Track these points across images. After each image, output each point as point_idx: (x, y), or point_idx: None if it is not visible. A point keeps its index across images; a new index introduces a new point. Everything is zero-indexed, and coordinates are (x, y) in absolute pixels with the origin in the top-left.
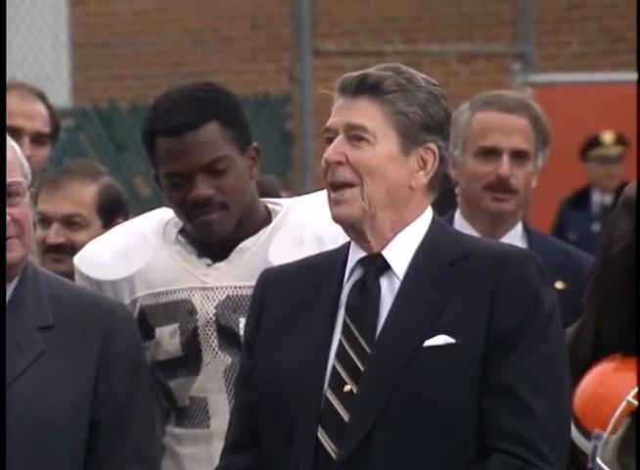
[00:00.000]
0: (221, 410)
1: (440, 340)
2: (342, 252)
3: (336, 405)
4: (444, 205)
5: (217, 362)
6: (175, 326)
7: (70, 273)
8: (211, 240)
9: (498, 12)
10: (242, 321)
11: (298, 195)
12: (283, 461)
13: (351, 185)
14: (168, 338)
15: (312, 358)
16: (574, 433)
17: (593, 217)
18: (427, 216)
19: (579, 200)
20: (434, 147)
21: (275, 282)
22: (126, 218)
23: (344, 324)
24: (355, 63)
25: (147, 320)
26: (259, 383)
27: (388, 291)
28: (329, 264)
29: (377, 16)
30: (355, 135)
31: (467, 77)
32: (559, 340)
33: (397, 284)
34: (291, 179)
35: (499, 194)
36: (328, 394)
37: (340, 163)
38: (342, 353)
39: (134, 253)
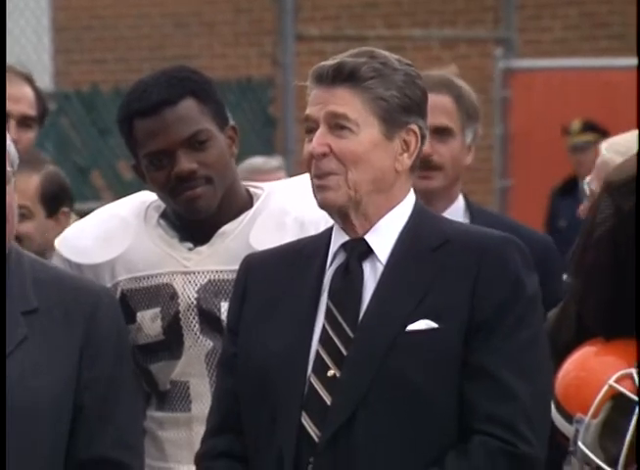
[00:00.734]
0: (203, 394)
1: (423, 324)
2: (325, 236)
3: (319, 390)
4: None
5: (199, 346)
6: (157, 310)
7: None
8: (198, 217)
9: None
10: (223, 305)
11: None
12: (266, 446)
13: (336, 174)
14: (150, 322)
15: (296, 344)
16: (556, 416)
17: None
18: (410, 200)
19: (567, 187)
20: (415, 128)
21: (258, 267)
22: (71, 207)
23: (328, 309)
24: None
25: (128, 304)
26: (243, 368)
27: (371, 275)
28: (312, 249)
29: (359, 1)
30: (337, 124)
31: (449, 62)
32: (540, 324)
33: (380, 268)
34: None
35: (423, 172)
36: (312, 379)
37: (324, 154)
38: (325, 338)
39: (115, 236)
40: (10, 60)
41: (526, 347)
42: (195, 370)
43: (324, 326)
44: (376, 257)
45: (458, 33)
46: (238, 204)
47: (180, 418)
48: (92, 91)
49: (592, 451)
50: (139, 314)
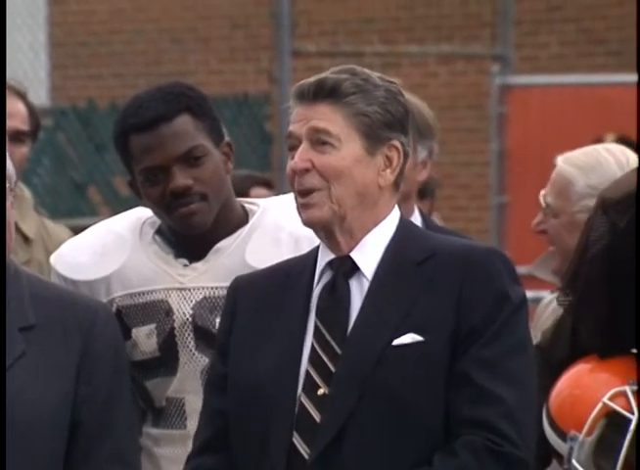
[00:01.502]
0: (198, 411)
1: (409, 338)
2: (311, 256)
3: (310, 409)
4: None
5: (194, 363)
6: (152, 327)
7: None
8: (192, 232)
9: (477, 13)
10: (218, 322)
11: (278, 195)
12: (257, 466)
13: (319, 190)
14: (145, 338)
15: (285, 363)
16: (550, 434)
17: None
18: (394, 216)
19: None
20: (397, 144)
21: (246, 289)
22: None
23: (316, 327)
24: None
25: (123, 321)
26: (233, 389)
27: (358, 292)
28: (299, 269)
29: (356, 16)
30: (319, 140)
31: (446, 78)
32: (524, 333)
33: (367, 285)
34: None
35: None
36: (302, 398)
37: (306, 170)
38: (314, 357)
39: (111, 252)
40: (7, 75)
41: (510, 353)
42: (190, 387)
43: (312, 345)
44: (362, 273)
45: (455, 49)
46: (233, 220)
47: (176, 435)
48: (88, 107)
49: (586, 469)
50: (134, 331)
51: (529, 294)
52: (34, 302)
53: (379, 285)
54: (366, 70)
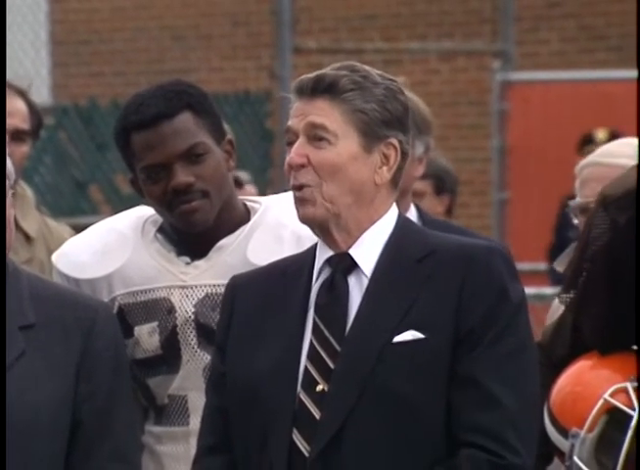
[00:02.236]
0: (200, 408)
1: (409, 335)
2: (310, 253)
3: (309, 406)
4: None
5: (196, 360)
6: (154, 325)
7: None
8: (194, 230)
9: (478, 9)
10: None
11: (279, 193)
12: (257, 463)
13: (311, 186)
14: (147, 336)
15: (284, 360)
16: (552, 431)
17: None
18: (392, 214)
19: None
20: (395, 142)
21: (244, 287)
22: None
23: (314, 324)
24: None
25: (125, 319)
26: (233, 387)
27: (357, 289)
28: (297, 267)
29: (357, 13)
30: (316, 135)
31: (447, 75)
32: (526, 333)
33: (365, 282)
34: (271, 177)
35: None
36: (301, 395)
37: (302, 165)
38: (313, 354)
39: (112, 251)
40: (8, 74)
41: (512, 355)
42: (193, 384)
43: (311, 342)
44: (361, 270)
45: (456, 46)
46: (235, 218)
47: (178, 432)
48: (90, 105)
49: (588, 466)
50: (136, 329)
51: (532, 290)
52: (34, 301)
53: (378, 282)
54: (367, 68)
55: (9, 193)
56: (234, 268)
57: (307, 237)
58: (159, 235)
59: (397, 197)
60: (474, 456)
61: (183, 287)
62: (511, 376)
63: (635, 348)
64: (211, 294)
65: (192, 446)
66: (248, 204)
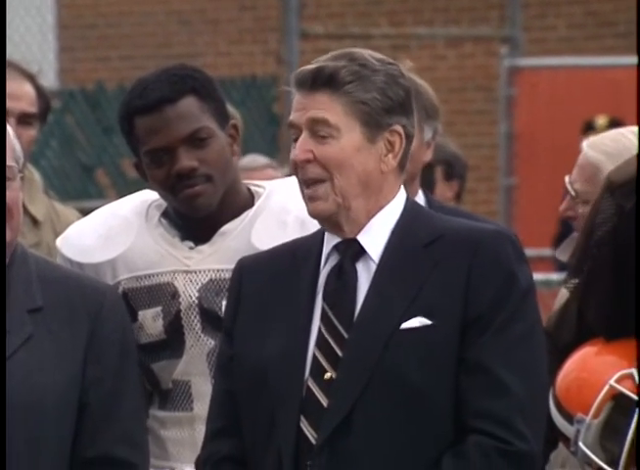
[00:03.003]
0: (204, 393)
1: (417, 322)
2: (317, 238)
3: (316, 393)
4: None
5: (200, 345)
6: (158, 309)
7: None
8: (197, 214)
9: None
10: (224, 304)
11: (286, 177)
12: (264, 449)
13: (323, 181)
14: (151, 321)
15: (293, 347)
16: (557, 417)
17: None
18: (400, 198)
19: None
20: (398, 128)
21: (251, 269)
22: None
23: (323, 311)
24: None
25: (129, 303)
26: (240, 372)
27: (365, 275)
28: (304, 251)
29: None
30: (319, 130)
31: (454, 61)
32: (534, 318)
33: (373, 268)
34: (278, 162)
35: None
36: (309, 382)
37: (308, 161)
38: (321, 341)
39: (116, 235)
40: (15, 57)
41: (521, 341)
42: (196, 369)
43: (320, 328)
44: (369, 256)
45: (463, 32)
46: (239, 202)
47: (182, 417)
48: (97, 89)
49: (593, 452)
50: (140, 313)
51: (538, 276)
52: (42, 284)
53: (386, 268)
54: (365, 54)
55: (17, 177)
56: (238, 253)
57: (311, 222)
58: (162, 220)
59: (405, 182)
60: (482, 443)
61: (187, 272)
62: (519, 362)
63: None
64: (215, 279)
65: (196, 431)
66: (252, 188)
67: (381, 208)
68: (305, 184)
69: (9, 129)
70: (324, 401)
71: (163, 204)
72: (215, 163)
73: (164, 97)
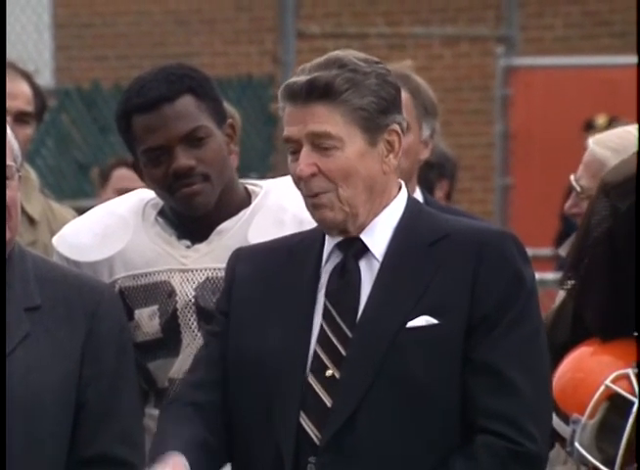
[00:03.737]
0: None
1: (423, 321)
2: (318, 234)
3: (318, 390)
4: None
5: (197, 344)
6: (154, 308)
7: None
8: (195, 213)
9: None
10: None
11: (282, 176)
12: (261, 443)
13: (327, 191)
14: (147, 320)
15: (293, 343)
16: (553, 417)
17: None
18: (402, 196)
19: None
20: (395, 127)
21: (247, 258)
22: None
23: (325, 309)
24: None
25: (126, 302)
26: (237, 362)
27: (368, 274)
28: (304, 247)
29: None
30: (321, 143)
31: (450, 60)
32: (539, 318)
33: (377, 266)
34: (274, 161)
35: None
36: (310, 378)
37: (313, 174)
38: (323, 338)
39: (113, 234)
40: (11, 56)
41: (528, 341)
42: None
43: (322, 326)
44: (372, 254)
45: (459, 31)
46: (236, 201)
47: None
48: (93, 88)
49: (589, 452)
50: (137, 312)
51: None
52: (40, 283)
53: (390, 267)
54: (351, 58)
55: (15, 176)
56: None
57: (309, 221)
58: (159, 218)
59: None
60: (491, 443)
61: (184, 270)
62: (527, 362)
63: (636, 334)
64: (212, 277)
65: None
66: (249, 187)
67: (384, 207)
68: (309, 196)
69: (7, 129)
70: (326, 399)
71: (160, 202)
72: (213, 162)
73: (162, 96)
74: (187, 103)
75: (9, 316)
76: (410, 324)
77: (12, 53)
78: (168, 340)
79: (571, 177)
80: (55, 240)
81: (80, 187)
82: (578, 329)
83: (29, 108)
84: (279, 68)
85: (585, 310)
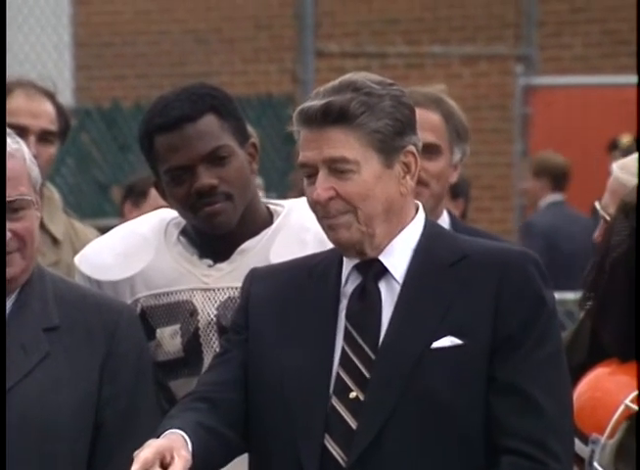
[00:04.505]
0: None
1: (448, 341)
2: (335, 255)
3: (342, 412)
4: None
5: None
6: (176, 327)
7: None
8: (217, 232)
9: (501, 14)
10: None
11: (301, 196)
12: (281, 461)
13: (345, 213)
14: (169, 339)
15: (314, 364)
16: None
17: None
18: (420, 218)
19: None
20: (411, 149)
21: (262, 278)
22: None
23: (346, 331)
24: (357, 64)
25: (147, 321)
26: (257, 383)
27: (388, 296)
28: (322, 268)
29: (379, 17)
30: (337, 168)
31: (469, 79)
32: (560, 338)
33: (397, 288)
34: (293, 180)
35: None
36: (333, 401)
37: (331, 198)
38: (345, 361)
39: (135, 253)
40: (31, 76)
41: (550, 362)
42: None
43: (343, 348)
44: (392, 276)
45: (478, 50)
46: (258, 221)
47: None
48: (113, 107)
49: None
50: (159, 331)
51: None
52: (59, 303)
53: (411, 288)
54: (365, 80)
55: (32, 206)
56: None
57: None
58: (181, 238)
59: (434, 203)
60: (517, 464)
61: (205, 289)
62: (550, 382)
63: None
64: (234, 297)
65: None
66: (270, 207)
67: (402, 228)
68: (326, 217)
69: (25, 152)
70: (351, 421)
71: (182, 222)
72: (235, 181)
73: (185, 115)
74: (209, 122)
75: (28, 337)
76: (435, 345)
77: (32, 73)
78: (190, 359)
79: (597, 205)
80: (77, 259)
81: (100, 206)
82: (596, 349)
83: (53, 127)
84: (298, 86)
85: (603, 331)
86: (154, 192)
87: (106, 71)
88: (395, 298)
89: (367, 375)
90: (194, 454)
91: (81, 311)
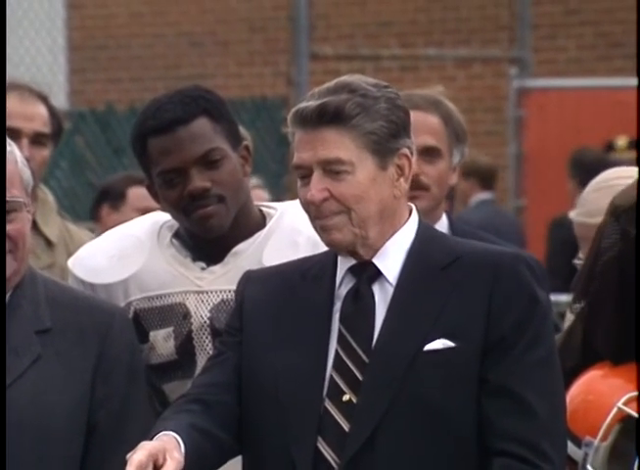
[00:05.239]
0: None
1: (440, 344)
2: (330, 258)
3: (335, 415)
4: None
5: None
6: (169, 330)
7: None
8: (210, 235)
9: (495, 16)
10: None
11: (295, 198)
12: (274, 462)
13: (338, 214)
14: (162, 342)
15: (308, 367)
16: None
17: None
18: (413, 220)
19: None
20: (406, 151)
21: (257, 281)
22: None
23: (340, 334)
24: (352, 67)
25: (141, 324)
26: (251, 385)
27: (382, 298)
28: (317, 271)
29: (373, 20)
30: (332, 169)
31: (463, 82)
32: (553, 340)
33: (390, 290)
34: (287, 182)
35: (410, 191)
36: (326, 403)
37: (325, 199)
38: (338, 363)
39: (128, 256)
40: (25, 79)
41: (543, 364)
42: None
43: (337, 351)
44: (385, 279)
45: (472, 53)
46: (251, 223)
47: None
48: (107, 110)
49: None
50: (152, 334)
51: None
52: (51, 306)
53: (404, 290)
54: (360, 82)
55: (23, 208)
56: None
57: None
58: (174, 240)
59: (433, 206)
60: (510, 466)
61: (199, 292)
62: (543, 384)
63: None
64: (227, 299)
65: None
66: (263, 209)
67: (395, 231)
68: (319, 218)
69: (17, 155)
70: (344, 424)
71: (175, 224)
72: (228, 183)
73: (177, 118)
74: (202, 125)
75: (19, 339)
76: (427, 347)
77: (26, 76)
78: (183, 362)
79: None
80: (70, 262)
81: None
82: (588, 353)
83: (46, 129)
84: (292, 89)
85: (595, 334)
86: (132, 193)
87: (100, 74)
88: (389, 300)
89: (360, 378)
90: (187, 456)
91: (73, 314)
